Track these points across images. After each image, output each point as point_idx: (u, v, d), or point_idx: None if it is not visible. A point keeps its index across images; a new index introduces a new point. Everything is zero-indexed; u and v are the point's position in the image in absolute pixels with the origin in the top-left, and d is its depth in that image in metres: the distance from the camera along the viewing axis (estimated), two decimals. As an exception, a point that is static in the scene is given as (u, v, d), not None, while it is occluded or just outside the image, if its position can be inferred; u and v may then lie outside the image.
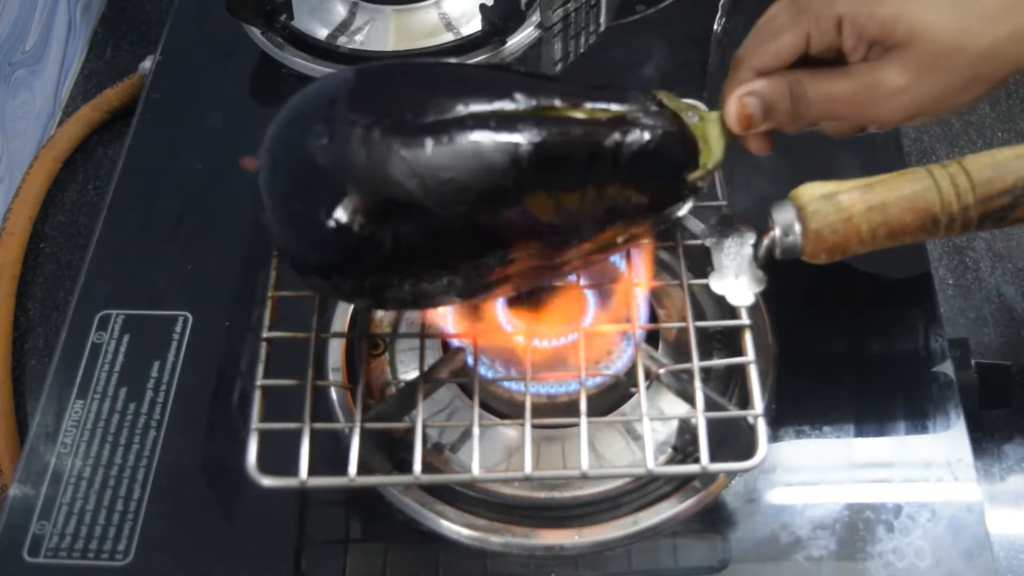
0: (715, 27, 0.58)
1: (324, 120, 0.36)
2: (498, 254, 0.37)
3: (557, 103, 0.38)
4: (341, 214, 0.35)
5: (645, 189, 0.40)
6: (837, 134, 0.45)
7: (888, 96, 0.39)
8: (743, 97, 0.41)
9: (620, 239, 0.40)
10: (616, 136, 0.38)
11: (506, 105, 0.37)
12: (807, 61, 0.41)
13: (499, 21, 0.63)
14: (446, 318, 0.46)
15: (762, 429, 0.39)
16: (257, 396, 0.41)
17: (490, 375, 0.46)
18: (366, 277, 0.36)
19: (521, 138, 0.36)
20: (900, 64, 0.39)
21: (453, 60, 0.42)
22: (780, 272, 0.43)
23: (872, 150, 0.57)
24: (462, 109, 0.36)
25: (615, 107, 0.39)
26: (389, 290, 0.37)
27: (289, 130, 0.37)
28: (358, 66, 0.40)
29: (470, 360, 0.45)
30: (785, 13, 0.41)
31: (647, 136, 0.39)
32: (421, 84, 0.38)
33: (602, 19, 0.66)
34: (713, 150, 0.41)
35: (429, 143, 0.35)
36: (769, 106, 0.41)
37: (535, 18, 0.66)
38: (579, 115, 0.38)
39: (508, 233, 0.37)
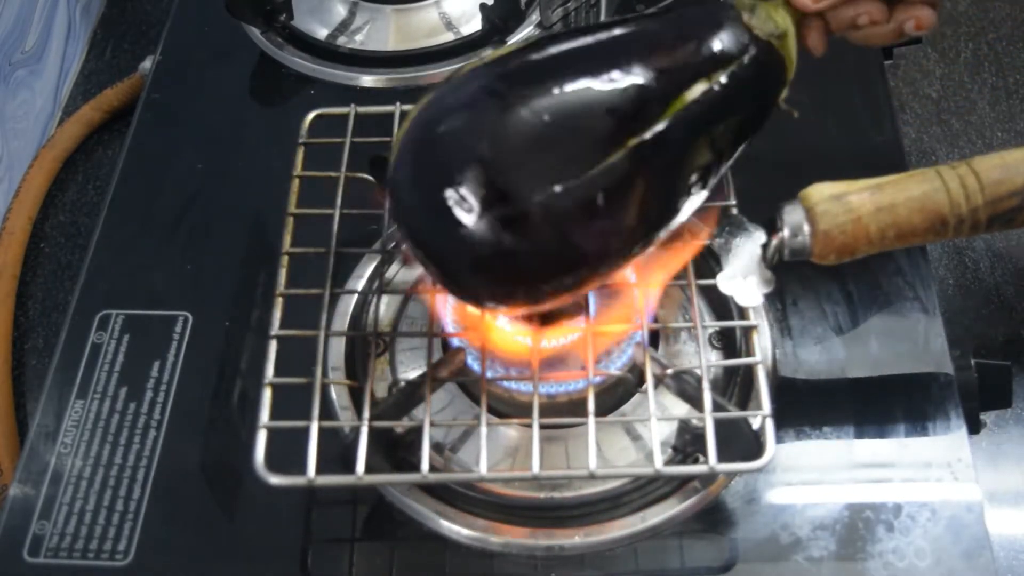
0: None
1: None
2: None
3: (676, 84, 0.38)
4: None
5: (748, 126, 0.41)
6: (872, 40, 0.44)
7: None
8: None
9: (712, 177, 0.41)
10: (727, 89, 0.39)
11: (643, 114, 0.37)
12: None
13: (499, 20, 0.63)
14: (448, 317, 0.46)
15: (770, 430, 0.39)
16: (266, 394, 0.41)
17: (491, 375, 0.46)
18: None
19: (669, 145, 0.38)
20: None
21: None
22: (780, 272, 0.43)
23: (874, 150, 0.57)
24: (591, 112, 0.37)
25: (719, 59, 0.39)
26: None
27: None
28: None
29: (470, 359, 0.45)
30: None
31: (751, 84, 0.40)
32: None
33: (602, 18, 0.66)
34: (793, 60, 0.42)
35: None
36: None
37: (535, 17, 0.66)
38: (697, 89, 0.39)
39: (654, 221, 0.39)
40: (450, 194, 0.35)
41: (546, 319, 0.45)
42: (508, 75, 0.38)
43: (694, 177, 0.39)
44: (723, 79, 0.39)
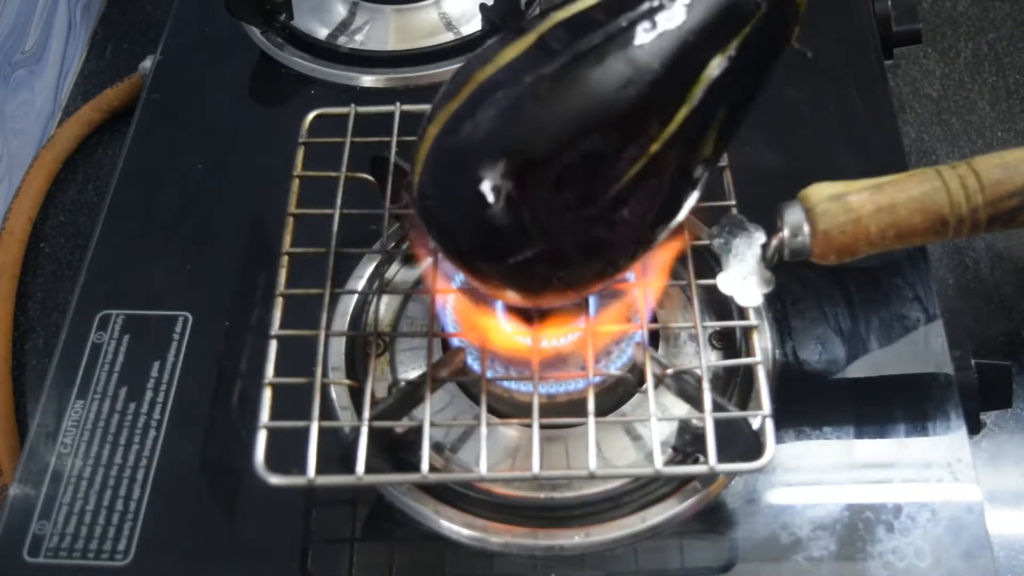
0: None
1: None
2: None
3: (693, 66, 0.37)
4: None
5: (762, 72, 0.40)
6: None
7: None
8: None
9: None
10: (742, 55, 0.38)
11: (664, 115, 0.37)
12: None
13: (499, 21, 0.63)
14: (447, 317, 0.46)
15: (770, 430, 0.39)
16: (266, 394, 0.41)
17: (491, 375, 0.46)
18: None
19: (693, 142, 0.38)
20: None
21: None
22: (780, 273, 0.43)
23: (874, 150, 0.57)
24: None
25: (731, 25, 0.38)
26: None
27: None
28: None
29: (470, 360, 0.45)
30: None
31: (766, 38, 0.39)
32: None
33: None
34: None
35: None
36: None
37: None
38: (716, 63, 0.38)
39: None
40: (483, 192, 0.36)
41: (546, 319, 0.45)
42: (524, 88, 0.37)
43: (710, 148, 0.39)
44: (735, 49, 0.38)
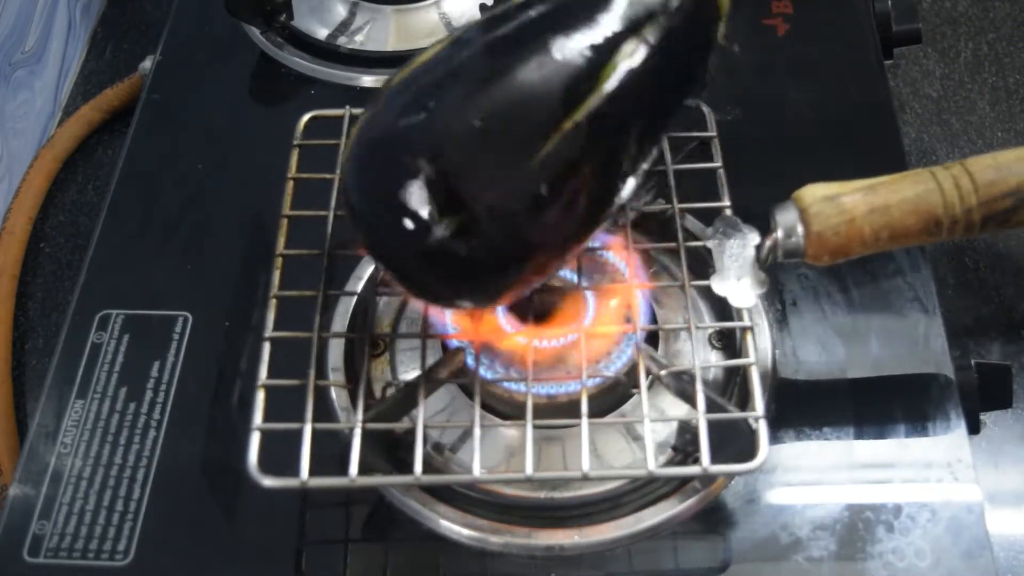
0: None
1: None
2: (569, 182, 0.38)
3: (601, 49, 0.38)
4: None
5: (686, 67, 0.40)
6: None
7: None
8: None
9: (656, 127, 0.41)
10: (661, 40, 0.38)
11: (577, 88, 0.37)
12: None
13: (499, 21, 0.63)
14: (446, 317, 0.46)
15: (763, 431, 0.39)
16: (260, 396, 0.41)
17: (489, 376, 0.46)
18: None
19: (600, 119, 0.37)
20: None
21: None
22: (778, 273, 0.43)
23: (873, 150, 0.57)
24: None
25: (645, 14, 0.39)
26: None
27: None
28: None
29: (470, 360, 0.45)
30: None
31: (684, 29, 0.39)
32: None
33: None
34: None
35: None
36: None
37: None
38: (628, 48, 0.38)
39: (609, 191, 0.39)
40: (395, 203, 0.36)
41: (542, 320, 0.45)
42: (437, 82, 0.37)
43: (638, 141, 0.39)
44: (651, 35, 0.38)
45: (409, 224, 0.36)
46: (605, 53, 0.38)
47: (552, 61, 0.37)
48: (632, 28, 0.38)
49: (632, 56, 0.38)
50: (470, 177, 0.36)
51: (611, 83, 0.37)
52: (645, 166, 0.40)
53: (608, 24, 0.38)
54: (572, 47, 0.37)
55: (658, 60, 0.38)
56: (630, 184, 0.40)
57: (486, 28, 0.39)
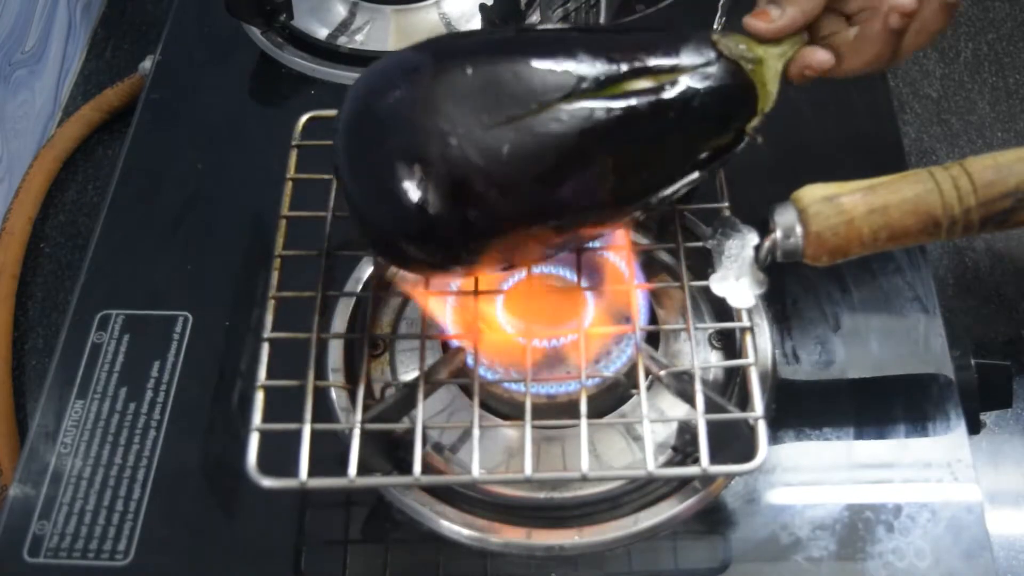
0: (715, 26, 0.58)
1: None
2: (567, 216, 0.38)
3: (621, 70, 0.38)
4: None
5: (704, 144, 0.41)
6: (858, 69, 0.44)
7: None
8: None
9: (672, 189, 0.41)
10: (678, 97, 0.39)
11: (576, 85, 0.38)
12: None
13: (499, 21, 0.63)
14: (446, 318, 0.46)
15: (762, 431, 0.39)
16: (259, 397, 0.41)
17: (489, 376, 0.46)
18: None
19: (595, 121, 0.38)
20: None
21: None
22: (779, 273, 0.43)
23: (873, 150, 0.57)
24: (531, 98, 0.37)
25: (675, 65, 0.40)
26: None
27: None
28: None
29: (470, 361, 0.45)
30: None
31: (708, 97, 0.40)
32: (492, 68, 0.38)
33: (602, 19, 0.66)
34: (770, 92, 0.42)
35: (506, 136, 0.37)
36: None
37: (535, 18, 0.66)
38: (643, 84, 0.39)
39: (576, 199, 0.38)
40: (387, 172, 0.36)
41: (542, 320, 0.45)
42: (446, 50, 0.38)
43: (633, 178, 0.39)
44: (672, 83, 0.39)
45: (394, 185, 0.36)
46: (618, 73, 0.38)
47: (568, 59, 0.38)
48: (655, 68, 0.39)
49: (644, 93, 0.39)
50: (440, 118, 0.36)
51: (613, 101, 0.38)
52: (631, 205, 0.40)
53: (633, 52, 0.39)
54: (588, 52, 0.38)
55: (670, 112, 0.39)
56: (623, 213, 0.40)
57: (516, 31, 0.40)
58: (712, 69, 0.40)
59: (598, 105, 0.38)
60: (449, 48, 0.39)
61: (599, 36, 0.40)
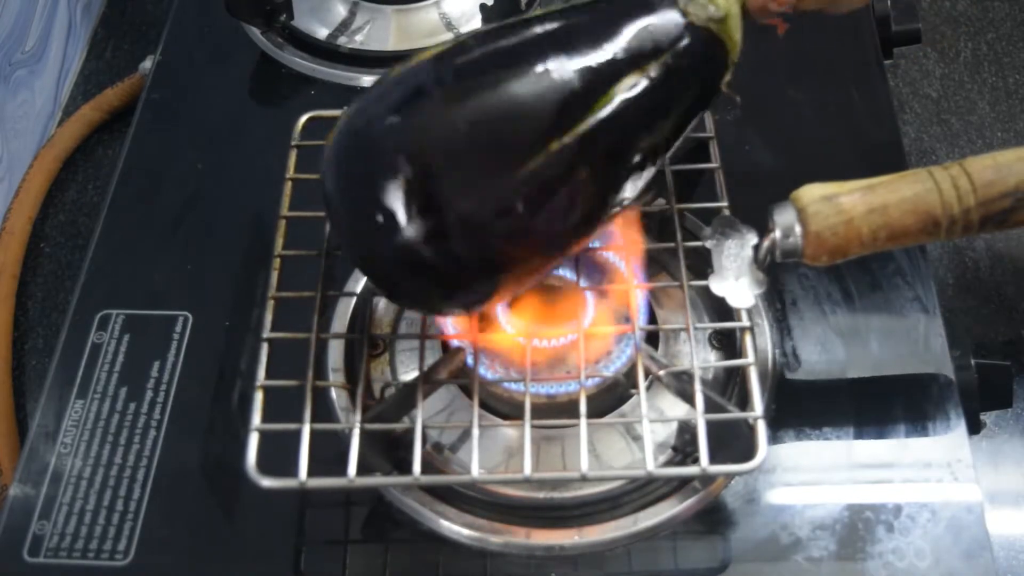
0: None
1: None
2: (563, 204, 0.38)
3: (605, 78, 0.38)
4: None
5: (687, 117, 0.41)
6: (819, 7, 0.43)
7: None
8: None
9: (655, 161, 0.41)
10: (661, 84, 0.39)
11: (570, 114, 0.37)
12: None
13: (499, 20, 0.63)
14: (446, 318, 0.46)
15: (762, 431, 0.39)
16: (258, 397, 0.41)
17: (489, 376, 0.46)
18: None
19: (592, 143, 0.37)
20: None
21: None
22: (778, 273, 0.43)
23: (874, 150, 0.57)
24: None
25: (653, 48, 0.39)
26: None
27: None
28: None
29: (470, 360, 0.45)
30: None
31: (688, 72, 0.39)
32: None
33: None
34: (736, 42, 0.41)
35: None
36: None
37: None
38: (628, 82, 0.38)
39: (582, 225, 0.38)
40: (374, 209, 0.36)
41: (541, 320, 0.45)
42: (428, 83, 0.37)
43: (629, 171, 0.39)
44: (654, 71, 0.38)
45: (380, 219, 0.36)
46: (605, 82, 0.38)
47: (549, 80, 0.37)
48: (636, 61, 0.38)
49: (631, 89, 0.38)
50: (447, 182, 0.36)
51: (605, 112, 0.37)
52: (631, 196, 0.40)
53: (613, 53, 0.38)
54: (572, 70, 0.37)
55: (657, 97, 0.39)
56: (625, 200, 0.40)
57: (490, 37, 0.38)
58: (685, 44, 0.39)
59: (592, 126, 0.37)
60: (425, 80, 0.38)
61: (573, 36, 0.39)
